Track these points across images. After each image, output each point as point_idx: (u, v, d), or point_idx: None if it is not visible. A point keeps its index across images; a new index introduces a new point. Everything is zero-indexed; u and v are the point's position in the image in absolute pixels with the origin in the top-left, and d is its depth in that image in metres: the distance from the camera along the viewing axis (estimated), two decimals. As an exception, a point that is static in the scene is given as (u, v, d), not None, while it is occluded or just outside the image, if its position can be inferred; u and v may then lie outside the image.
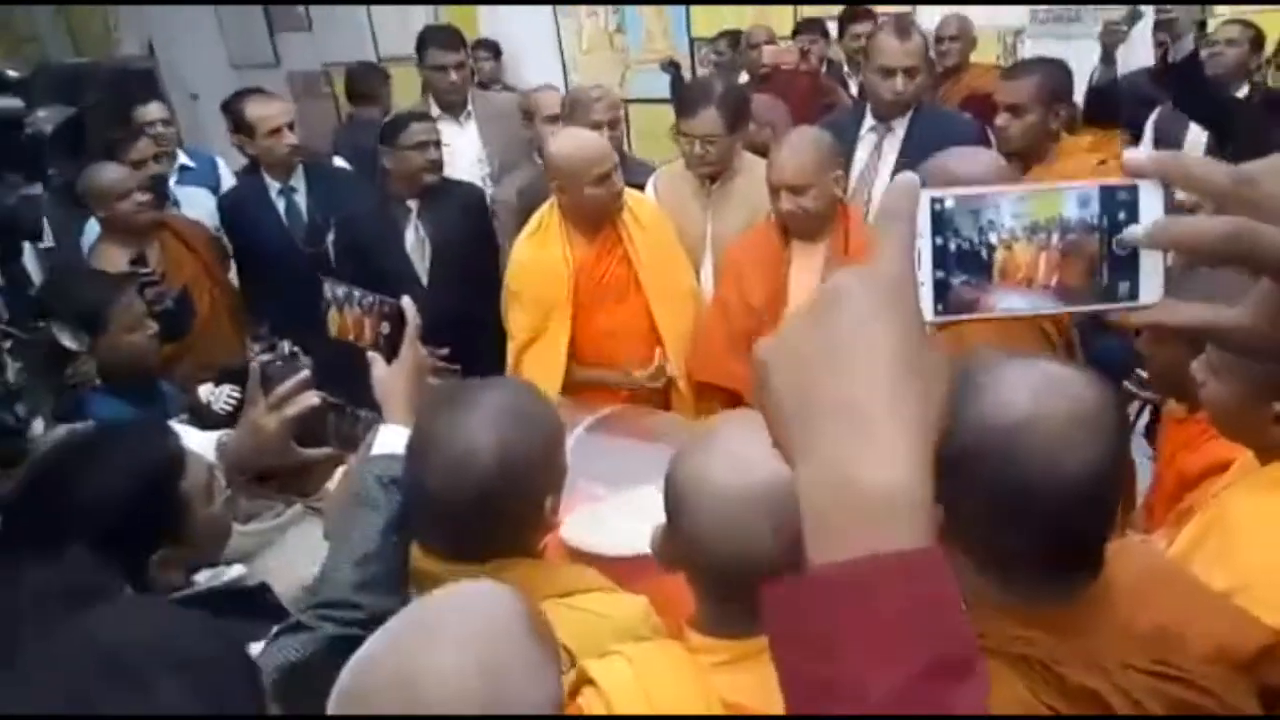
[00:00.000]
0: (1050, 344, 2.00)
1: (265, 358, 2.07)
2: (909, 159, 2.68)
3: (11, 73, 1.16)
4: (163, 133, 3.87)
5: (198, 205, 3.54)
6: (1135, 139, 3.83)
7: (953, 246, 0.54)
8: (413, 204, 2.97)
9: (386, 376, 1.28)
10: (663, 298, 2.56)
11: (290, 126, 3.17)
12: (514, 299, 2.60)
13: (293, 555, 1.51)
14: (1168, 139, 3.70)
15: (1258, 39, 3.54)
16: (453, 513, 1.15)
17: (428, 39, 3.64)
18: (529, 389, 1.30)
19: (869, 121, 2.82)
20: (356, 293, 1.33)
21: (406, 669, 0.80)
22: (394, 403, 1.27)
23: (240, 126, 3.18)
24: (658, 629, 1.21)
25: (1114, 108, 3.25)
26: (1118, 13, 3.72)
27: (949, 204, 0.54)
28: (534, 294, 2.55)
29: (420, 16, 6.27)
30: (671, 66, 5.12)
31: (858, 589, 0.41)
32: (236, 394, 1.77)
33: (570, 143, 2.48)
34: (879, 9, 4.51)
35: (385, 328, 1.30)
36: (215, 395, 1.80)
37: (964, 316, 0.54)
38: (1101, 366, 2.16)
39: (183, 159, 3.96)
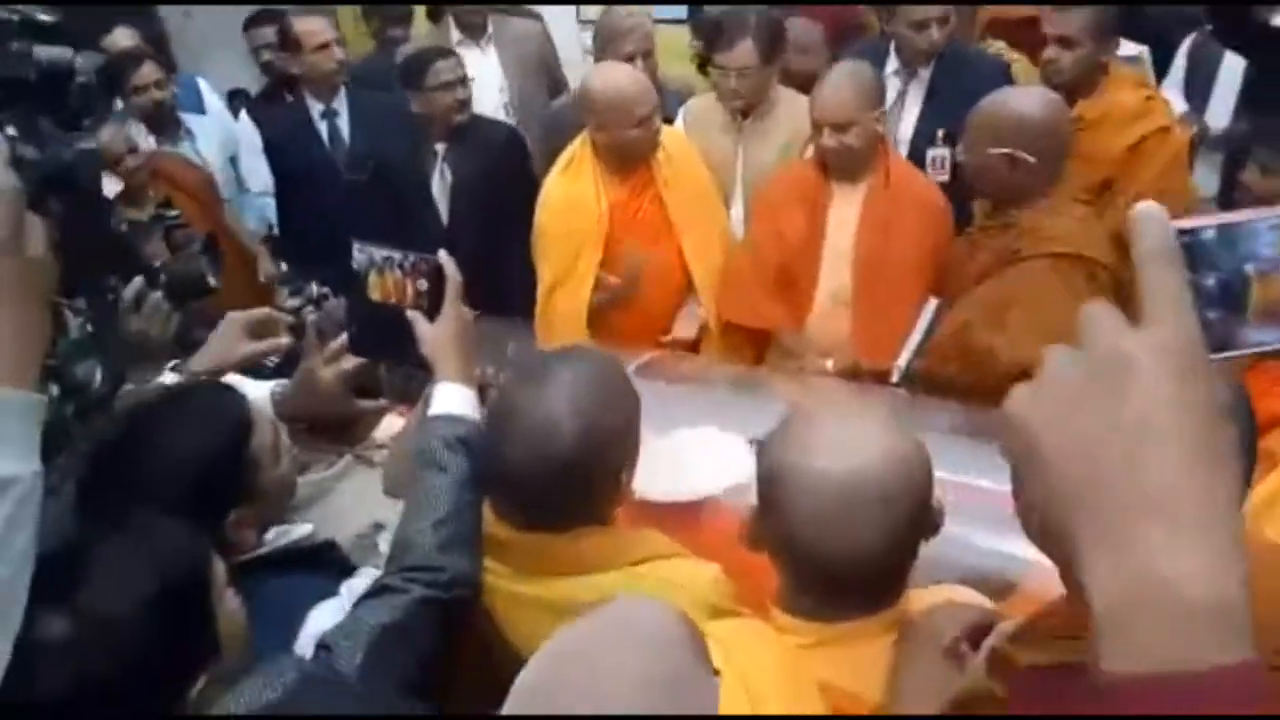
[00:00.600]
0: (1103, 290, 1.96)
1: (294, 302, 2.03)
2: (936, 105, 2.62)
3: (44, 17, 1.08)
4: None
5: (207, 134, 3.41)
6: (1163, 59, 3.74)
7: (1210, 281, 0.49)
8: (440, 147, 2.87)
9: (433, 335, 1.25)
10: (695, 238, 2.50)
11: (338, 42, 3.13)
12: (543, 237, 2.54)
13: (347, 504, 1.51)
14: (1202, 67, 3.62)
15: None
16: (532, 483, 1.13)
17: None
18: (608, 360, 1.27)
19: (893, 63, 2.72)
20: (394, 254, 1.28)
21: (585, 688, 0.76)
22: (445, 360, 1.24)
23: (285, 43, 3.15)
24: (729, 595, 1.21)
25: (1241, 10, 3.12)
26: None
27: (1205, 235, 0.50)
28: (564, 232, 2.48)
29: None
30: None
31: (1192, 701, 0.38)
32: None
33: (612, 82, 2.37)
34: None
35: (423, 284, 1.26)
36: None
37: (1215, 356, 0.49)
38: None
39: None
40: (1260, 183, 2.24)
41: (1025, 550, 1.27)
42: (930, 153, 2.58)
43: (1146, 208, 0.46)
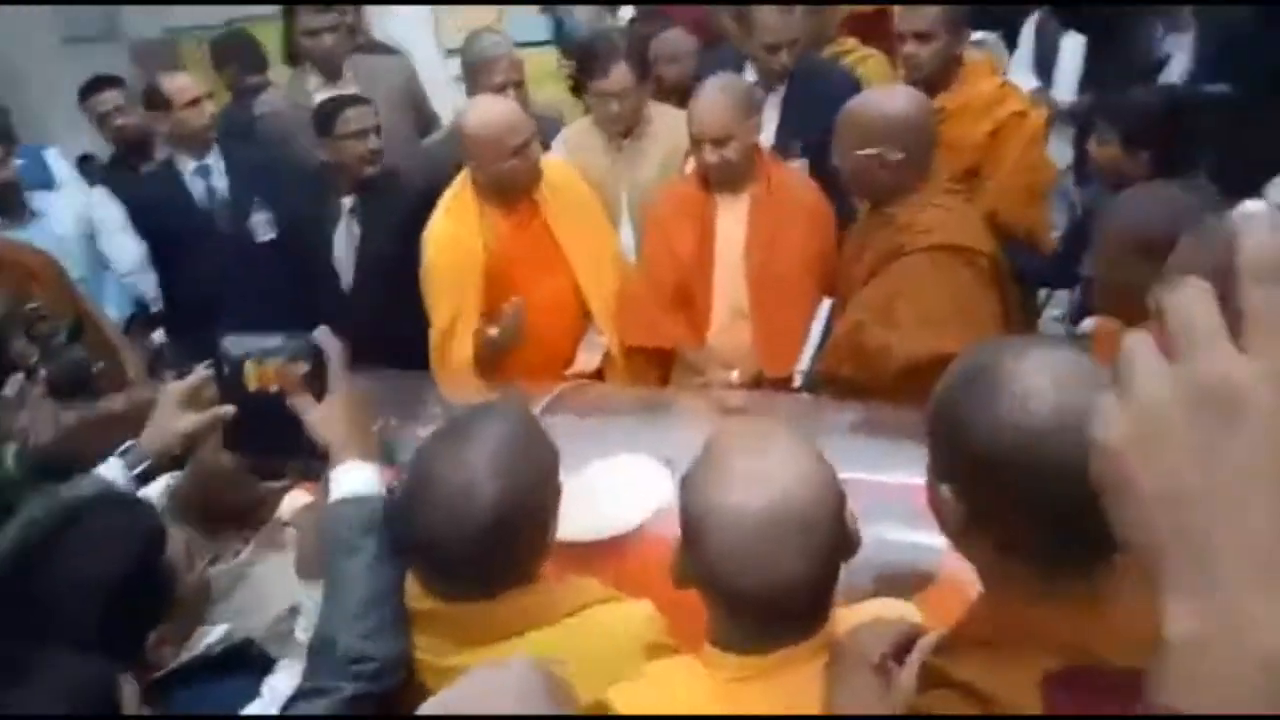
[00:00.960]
0: (982, 276, 2.05)
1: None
2: (793, 117, 2.70)
3: None
4: None
5: (59, 212, 3.18)
6: (1009, 40, 3.95)
7: None
8: (347, 200, 2.75)
9: (322, 416, 1.21)
10: (588, 266, 2.49)
11: (209, 96, 3.05)
12: (431, 281, 2.48)
13: (260, 592, 1.46)
14: (1045, 44, 3.85)
15: None
16: (455, 551, 1.10)
17: (297, 4, 3.37)
18: (521, 413, 1.25)
19: (751, 75, 2.78)
20: (269, 341, 1.24)
21: None
22: (339, 441, 1.20)
23: (153, 101, 3.05)
24: (664, 631, 1.21)
25: None
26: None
27: None
28: (451, 274, 2.44)
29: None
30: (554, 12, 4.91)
31: None
32: None
33: (485, 116, 2.35)
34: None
35: (304, 366, 1.22)
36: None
37: None
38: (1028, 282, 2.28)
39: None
40: (1100, 152, 2.38)
41: (937, 539, 1.31)
42: (790, 164, 2.65)
43: (1252, 208, 0.41)
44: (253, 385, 1.24)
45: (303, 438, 1.20)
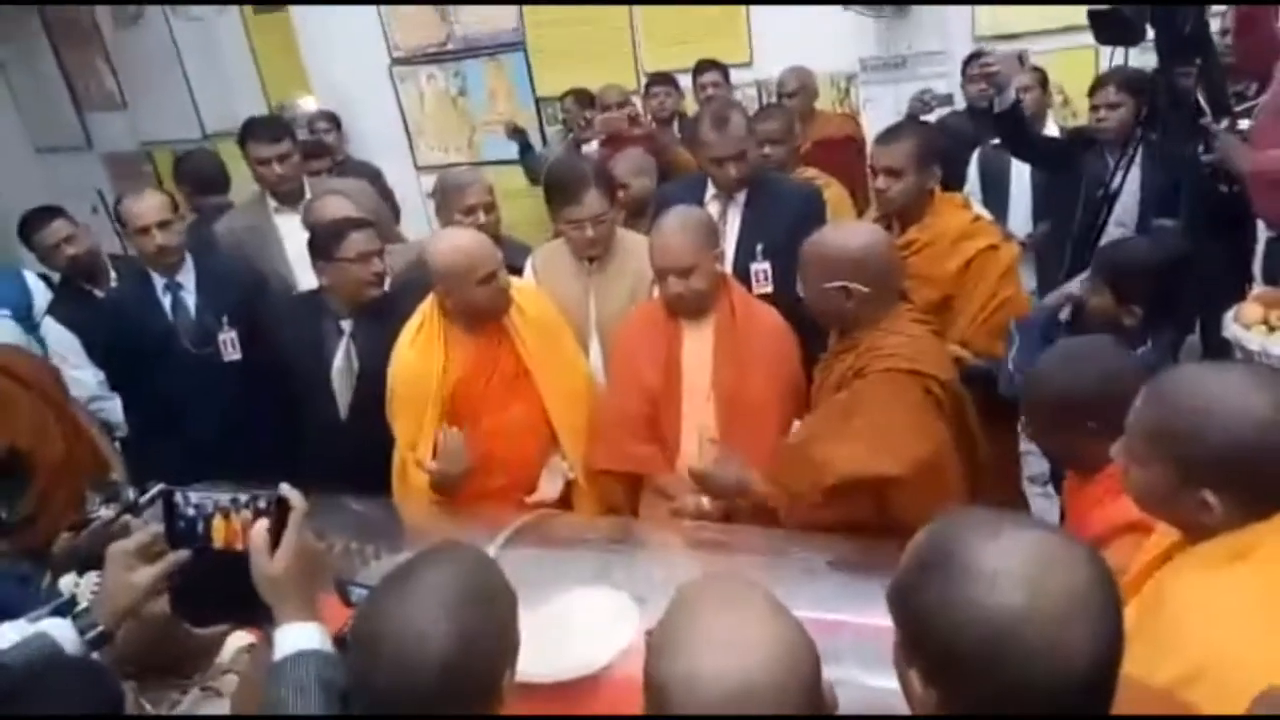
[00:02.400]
0: (939, 404, 2.06)
1: (107, 512, 1.86)
2: (753, 223, 2.80)
3: None
4: None
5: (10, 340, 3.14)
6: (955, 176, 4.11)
7: None
8: (346, 324, 2.69)
9: (270, 573, 1.17)
10: (556, 391, 2.48)
11: (162, 225, 2.97)
12: (393, 406, 2.46)
13: None
14: (993, 173, 4.01)
15: (1044, 80, 4.10)
16: (406, 707, 1.05)
17: (247, 132, 3.41)
18: (475, 557, 1.20)
19: (711, 189, 2.87)
20: (225, 498, 1.20)
21: None
22: (286, 600, 1.17)
23: (119, 219, 3.07)
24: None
25: (1023, 129, 3.44)
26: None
27: None
28: (411, 398, 2.41)
29: (244, 90, 6.00)
30: (517, 134, 5.08)
31: None
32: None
33: (450, 245, 2.36)
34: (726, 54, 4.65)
35: (268, 521, 1.18)
36: (80, 586, 1.56)
37: None
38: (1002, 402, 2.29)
39: None
40: (1094, 303, 2.34)
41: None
42: (753, 267, 2.74)
43: None
44: (219, 542, 1.20)
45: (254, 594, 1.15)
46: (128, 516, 1.80)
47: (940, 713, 0.87)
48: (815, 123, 4.42)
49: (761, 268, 2.73)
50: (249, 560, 1.17)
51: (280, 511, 1.18)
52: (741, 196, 2.83)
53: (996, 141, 3.70)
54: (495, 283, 2.34)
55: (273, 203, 3.39)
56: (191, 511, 1.20)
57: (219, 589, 1.21)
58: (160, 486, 1.29)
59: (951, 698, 0.86)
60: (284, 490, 1.19)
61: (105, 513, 1.84)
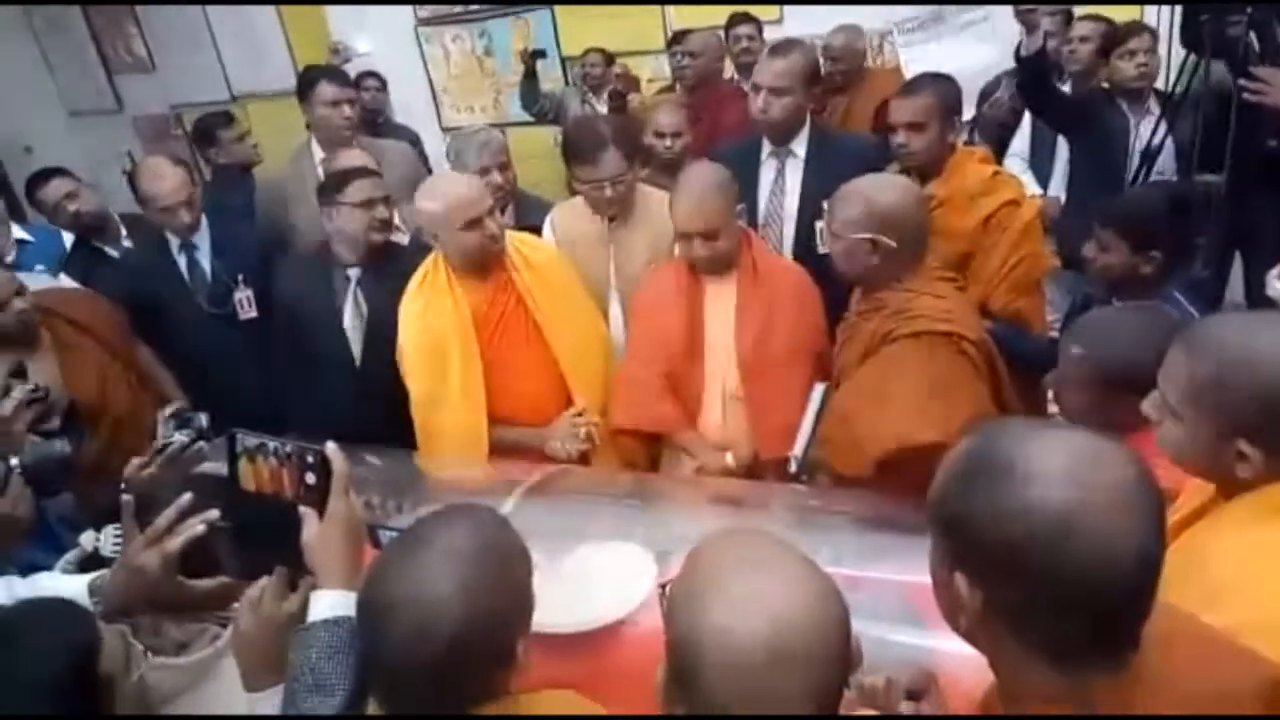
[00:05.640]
0: (973, 364, 2.01)
1: (181, 437, 1.88)
2: (812, 183, 2.68)
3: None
4: None
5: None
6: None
7: None
8: (353, 272, 2.71)
9: (317, 538, 1.16)
10: (567, 343, 2.45)
11: (187, 204, 3.00)
12: (410, 354, 2.44)
13: (231, 684, 1.36)
14: (1043, 136, 3.84)
15: (1111, 34, 3.58)
16: (419, 676, 1.02)
17: (318, 77, 3.39)
18: (488, 518, 1.17)
19: (767, 146, 2.79)
20: (272, 443, 1.20)
21: None
22: (328, 567, 1.16)
23: (136, 197, 3.07)
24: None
25: (1044, 81, 3.31)
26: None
27: None
28: (429, 344, 2.39)
29: (271, 53, 5.99)
30: (534, 57, 4.91)
31: None
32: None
33: (433, 189, 2.36)
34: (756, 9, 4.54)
35: (310, 478, 1.17)
36: (101, 540, 1.57)
37: None
38: (1024, 365, 2.23)
39: (17, 232, 3.44)
40: (1106, 258, 2.24)
41: (938, 640, 1.24)
42: (819, 225, 2.59)
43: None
44: (244, 484, 1.20)
45: (289, 546, 1.15)
46: (201, 443, 1.82)
47: (985, 616, 0.88)
48: (868, 84, 4.17)
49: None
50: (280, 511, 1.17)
51: (324, 469, 1.17)
52: (800, 151, 2.75)
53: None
54: (482, 228, 2.30)
55: (318, 153, 3.38)
56: (238, 449, 1.21)
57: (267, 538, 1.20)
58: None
59: (999, 597, 0.87)
60: (329, 449, 1.18)
61: (180, 438, 1.85)
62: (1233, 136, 2.70)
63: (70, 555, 1.52)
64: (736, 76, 4.46)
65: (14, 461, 1.45)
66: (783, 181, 2.76)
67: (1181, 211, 2.32)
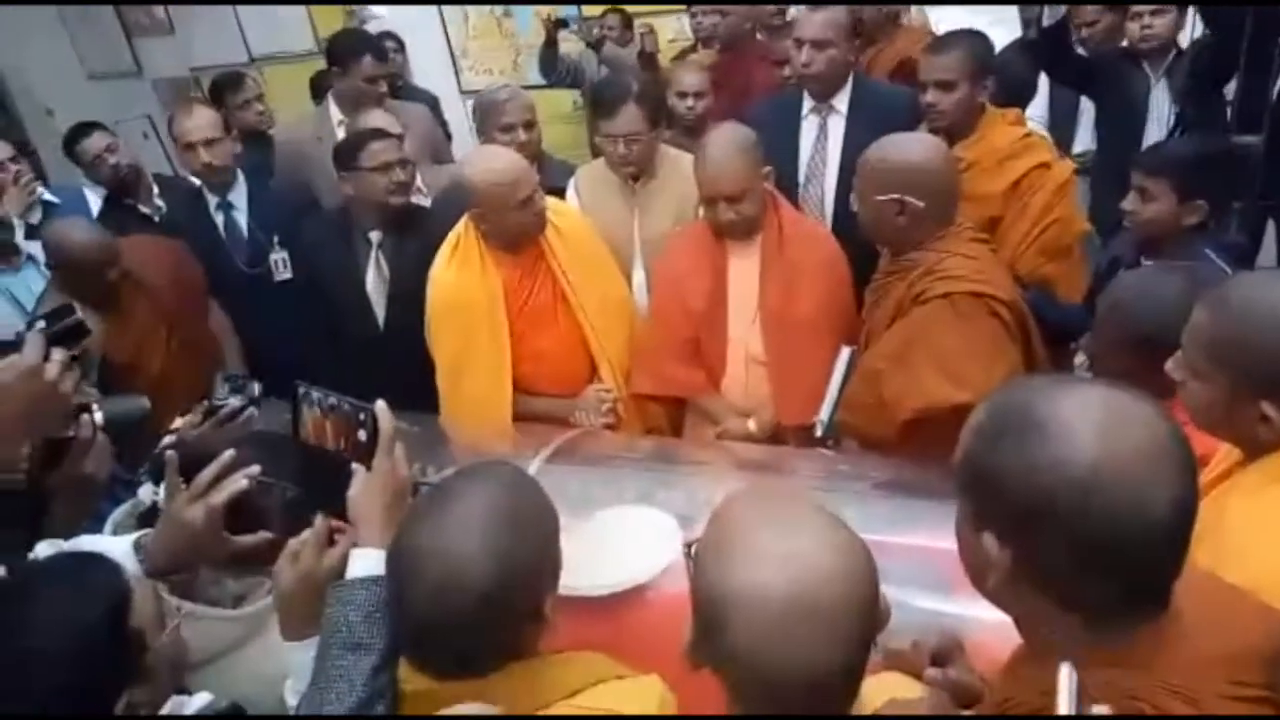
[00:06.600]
0: (1005, 326, 1.98)
1: (236, 401, 1.89)
2: (856, 138, 2.59)
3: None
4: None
5: None
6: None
7: None
8: (374, 235, 2.70)
9: (361, 494, 1.17)
10: (595, 314, 2.43)
11: (209, 143, 3.01)
12: (436, 323, 2.44)
13: (279, 640, 1.38)
14: (1064, 95, 3.75)
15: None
16: (447, 632, 1.03)
17: (358, 46, 3.33)
18: (516, 477, 1.17)
19: (809, 102, 2.74)
20: (333, 399, 1.23)
21: None
22: (369, 524, 1.16)
23: (171, 134, 3.13)
24: (674, 707, 1.13)
25: (1062, 46, 3.23)
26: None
27: None
28: (458, 316, 2.39)
29: (289, 15, 5.94)
30: (559, 25, 4.83)
31: None
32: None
33: (487, 168, 2.30)
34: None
35: (361, 435, 1.19)
36: (159, 495, 1.59)
37: None
38: (1060, 332, 2.20)
39: (44, 194, 3.48)
40: (1149, 209, 2.19)
41: (964, 606, 1.23)
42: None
43: None
44: (304, 432, 1.26)
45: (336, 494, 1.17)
46: (252, 409, 1.84)
47: (1014, 575, 0.86)
48: (897, 41, 3.92)
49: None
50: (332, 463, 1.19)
51: (375, 429, 1.19)
52: (842, 106, 2.71)
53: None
54: (532, 205, 2.28)
55: (336, 114, 3.36)
56: (314, 398, 1.25)
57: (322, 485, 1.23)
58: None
59: (1029, 555, 0.85)
60: (378, 407, 1.19)
61: (234, 402, 1.87)
62: (1277, 95, 2.63)
63: (125, 507, 1.52)
64: (761, 36, 4.37)
65: (98, 417, 1.43)
66: (825, 138, 2.72)
67: (1226, 160, 2.29)
